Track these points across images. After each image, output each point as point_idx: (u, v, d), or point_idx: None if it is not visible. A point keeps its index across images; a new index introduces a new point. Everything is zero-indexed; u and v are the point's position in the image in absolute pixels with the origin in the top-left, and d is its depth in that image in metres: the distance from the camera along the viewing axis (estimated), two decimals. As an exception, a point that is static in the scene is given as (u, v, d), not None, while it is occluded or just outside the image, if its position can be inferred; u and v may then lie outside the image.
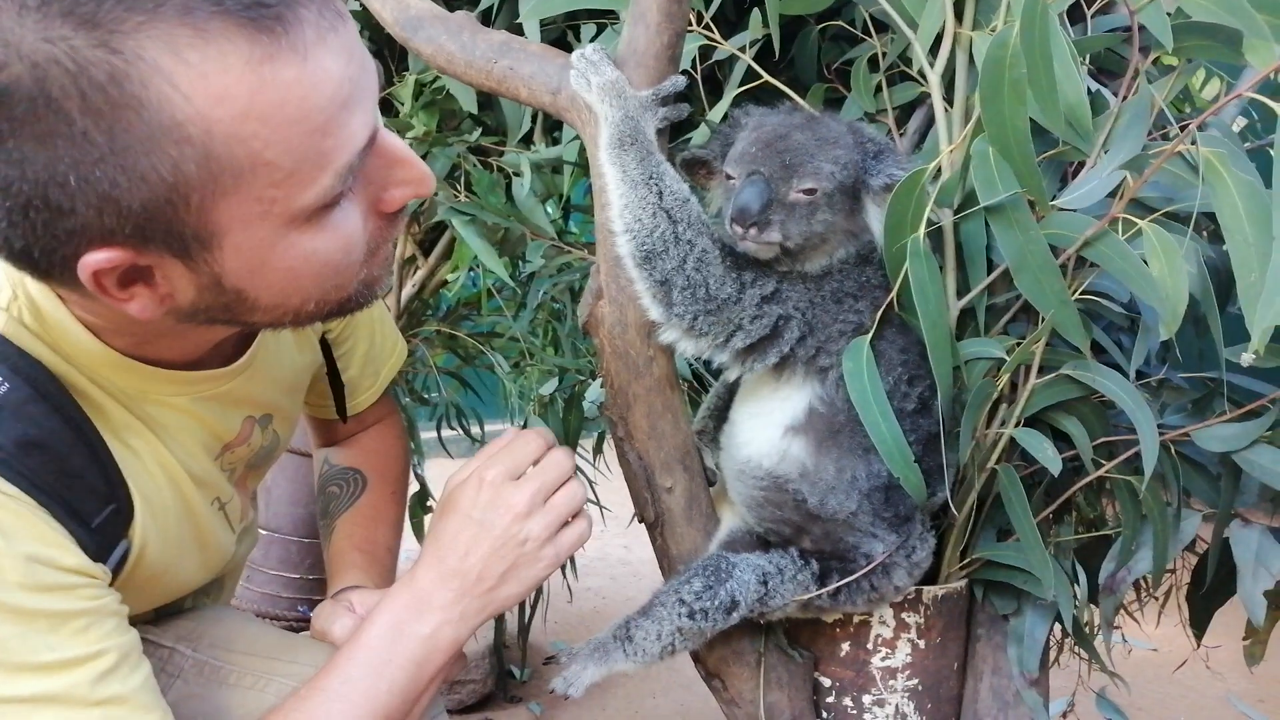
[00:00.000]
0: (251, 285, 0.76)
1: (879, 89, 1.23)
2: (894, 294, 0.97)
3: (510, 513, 0.94)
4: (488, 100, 1.73)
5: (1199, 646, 1.25)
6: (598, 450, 2.04)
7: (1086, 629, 1.22)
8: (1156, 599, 1.25)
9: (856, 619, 1.07)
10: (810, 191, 0.95)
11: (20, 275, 0.77)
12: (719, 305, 0.96)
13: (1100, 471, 1.08)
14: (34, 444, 0.78)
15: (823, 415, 0.98)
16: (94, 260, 0.69)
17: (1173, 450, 1.06)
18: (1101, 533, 1.17)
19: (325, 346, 1.18)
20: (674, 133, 1.06)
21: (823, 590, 0.98)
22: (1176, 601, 1.29)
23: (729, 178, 0.98)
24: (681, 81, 0.98)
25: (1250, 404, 1.04)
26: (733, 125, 1.04)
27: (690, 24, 1.11)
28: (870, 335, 0.97)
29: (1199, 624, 1.24)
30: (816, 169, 0.94)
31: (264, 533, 2.19)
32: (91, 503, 0.83)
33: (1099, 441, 1.07)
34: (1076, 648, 1.22)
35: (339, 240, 0.77)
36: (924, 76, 1.13)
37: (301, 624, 2.24)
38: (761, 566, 0.97)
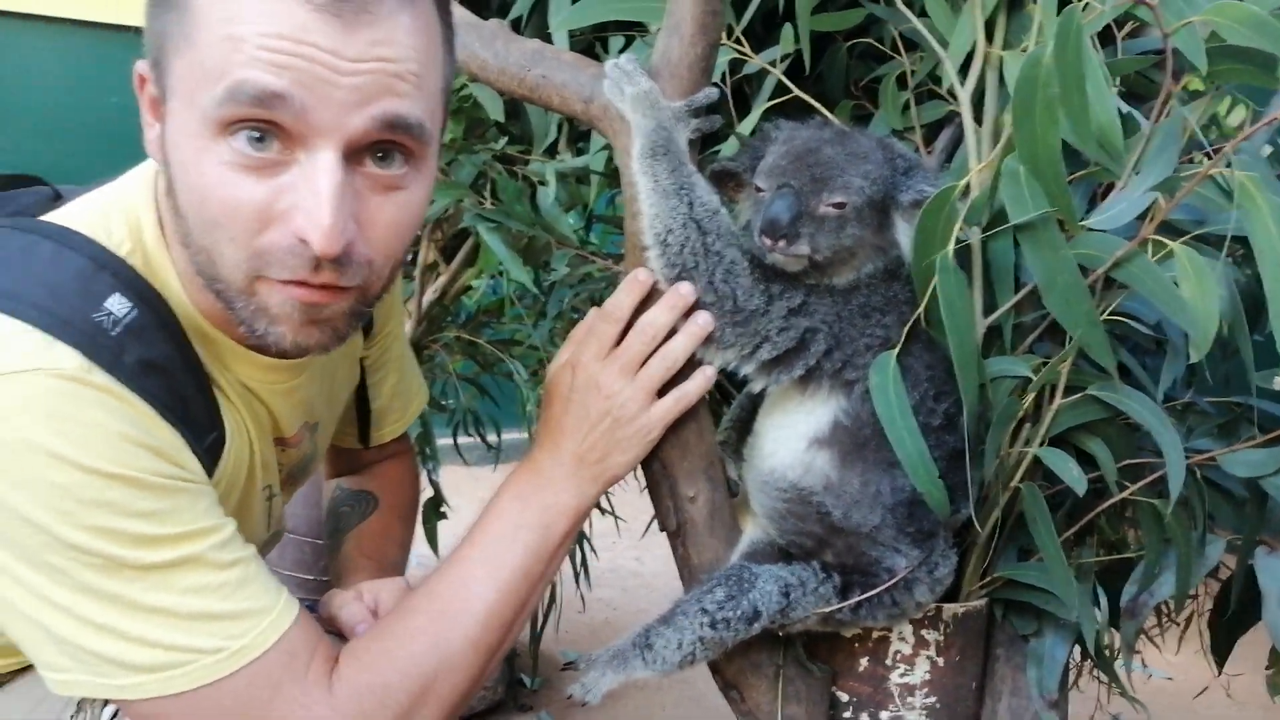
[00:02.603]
0: (175, 172, 0.83)
1: (907, 107, 1.23)
2: (921, 309, 0.98)
3: (599, 393, 0.99)
4: (514, 109, 1.74)
5: (1219, 674, 1.24)
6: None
7: (1106, 653, 1.22)
8: (1178, 625, 1.24)
9: (876, 634, 1.07)
10: (840, 205, 0.95)
11: (139, 230, 0.88)
12: (746, 317, 0.97)
13: (1124, 494, 1.07)
14: (155, 366, 0.84)
15: (848, 429, 0.98)
16: (139, 66, 0.85)
17: (1198, 474, 1.06)
18: (1123, 555, 1.17)
19: (361, 369, 1.19)
20: (703, 145, 1.07)
21: (844, 604, 0.98)
22: (1197, 629, 1.28)
23: (759, 190, 0.99)
24: (714, 93, 0.99)
25: (1277, 430, 1.04)
26: (763, 139, 1.05)
27: (721, 38, 1.12)
28: (897, 350, 0.97)
29: (1220, 651, 1.22)
30: (846, 183, 0.95)
31: (279, 534, 2.20)
32: (200, 427, 0.88)
33: (1124, 464, 1.06)
34: (1096, 671, 1.21)
35: (226, 191, 0.79)
36: (953, 95, 1.14)
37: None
38: (784, 578, 0.97)
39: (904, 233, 0.98)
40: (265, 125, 0.78)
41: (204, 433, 0.89)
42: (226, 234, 0.81)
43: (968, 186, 1.02)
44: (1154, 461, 1.10)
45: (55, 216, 0.89)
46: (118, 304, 0.83)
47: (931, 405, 0.97)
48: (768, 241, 0.94)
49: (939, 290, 0.94)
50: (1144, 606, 1.12)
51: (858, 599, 0.98)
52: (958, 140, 1.21)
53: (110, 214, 0.89)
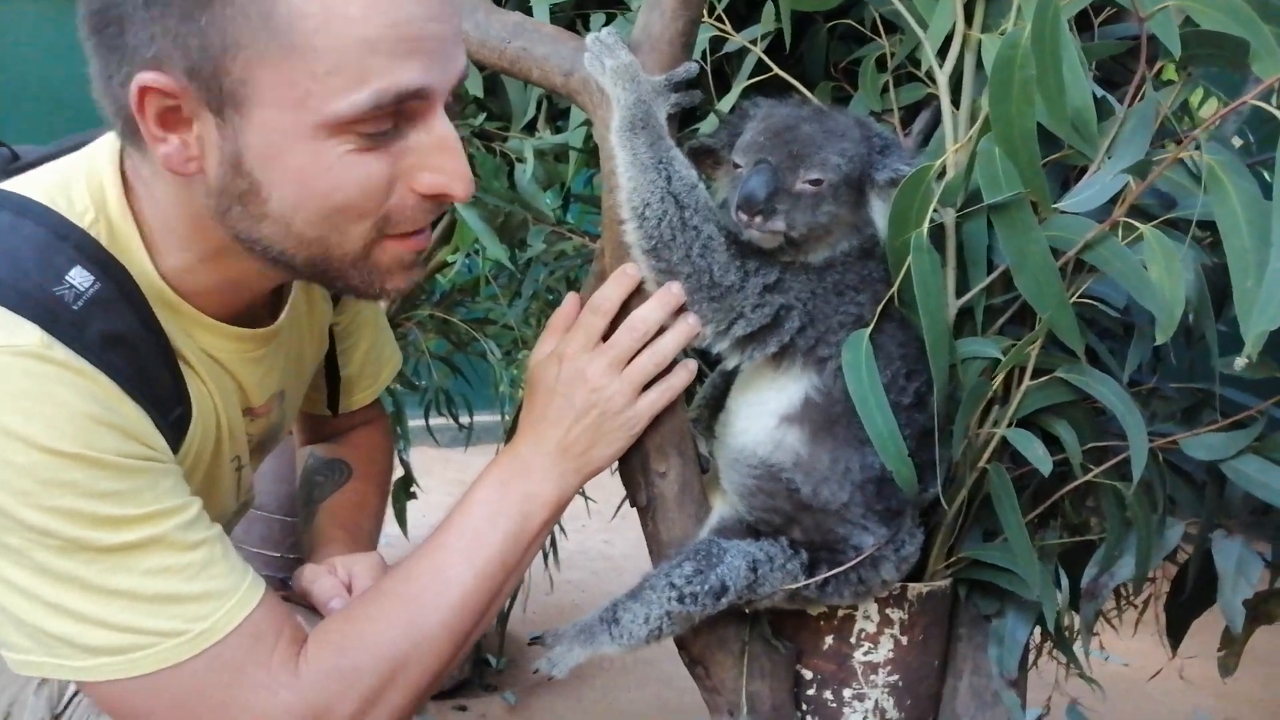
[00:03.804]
0: (266, 178, 0.79)
1: (886, 89, 1.24)
2: (895, 288, 0.98)
3: (586, 385, 0.99)
4: (493, 85, 1.73)
5: (1174, 656, 1.26)
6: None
7: (1066, 635, 1.23)
8: (1135, 607, 1.26)
9: (841, 613, 1.08)
10: (816, 182, 0.95)
11: (103, 199, 0.85)
12: (722, 292, 0.97)
13: (1088, 476, 1.08)
14: (119, 340, 0.82)
15: (819, 406, 0.99)
16: (146, 78, 0.75)
17: (1160, 458, 1.07)
18: (1085, 538, 1.18)
19: (331, 337, 1.18)
20: (682, 123, 1.07)
21: (810, 580, 0.99)
22: (1154, 614, 1.30)
23: (736, 166, 0.99)
24: (694, 68, 0.99)
25: (1237, 415, 1.05)
26: (741, 116, 1.05)
27: (703, 14, 1.12)
28: (870, 328, 0.97)
29: (1175, 635, 1.25)
30: (823, 160, 0.95)
31: (247, 510, 2.18)
32: (165, 402, 0.87)
33: (1088, 447, 1.08)
34: (1055, 653, 1.22)
35: (356, 174, 0.79)
36: (931, 78, 1.15)
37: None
38: (752, 553, 0.98)
39: (879, 211, 0.99)
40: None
41: (169, 407, 0.88)
42: (356, 212, 0.82)
43: (943, 167, 1.03)
44: (1117, 445, 1.11)
45: (14, 184, 0.86)
46: (80, 277, 0.81)
47: (903, 384, 0.98)
48: (744, 217, 0.95)
49: (913, 269, 0.95)
50: (1104, 588, 1.13)
51: (824, 575, 0.98)
52: (935, 122, 1.22)
53: (72, 183, 0.86)
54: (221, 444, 0.98)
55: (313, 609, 1.04)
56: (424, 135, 0.81)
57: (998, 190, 0.94)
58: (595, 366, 0.99)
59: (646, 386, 1.01)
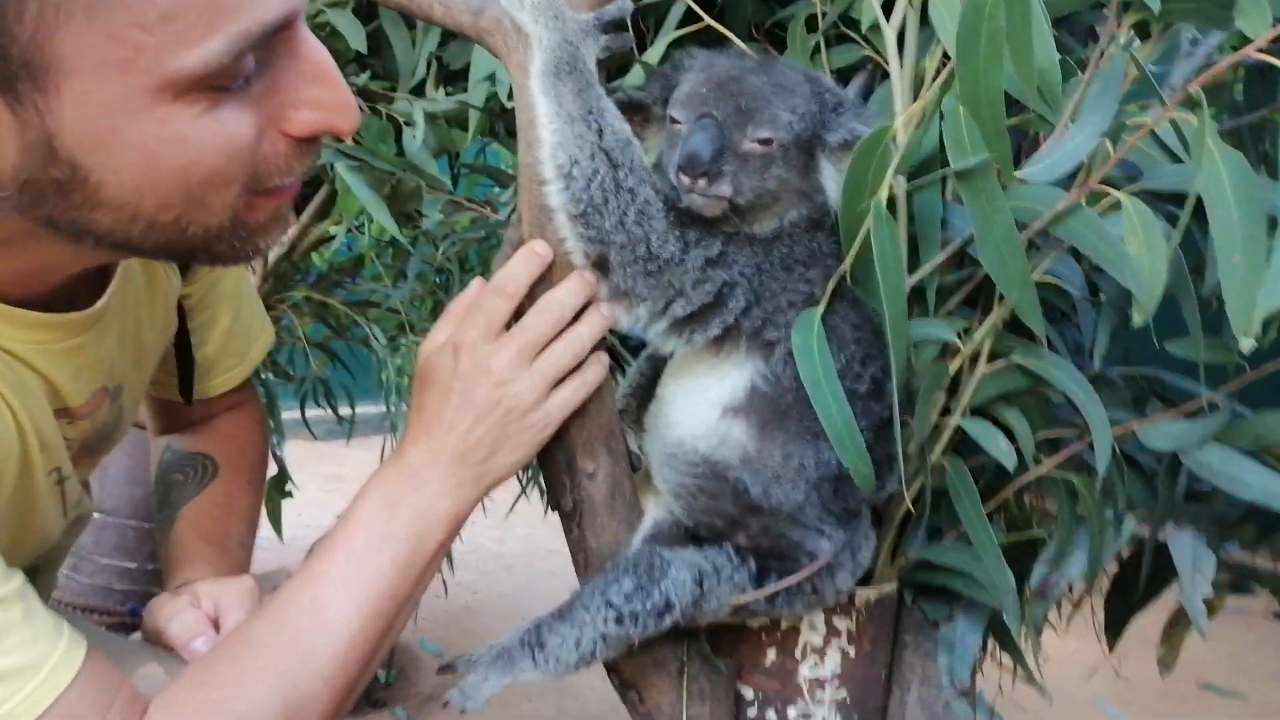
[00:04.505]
0: (96, 162, 0.60)
1: (816, 50, 1.14)
2: (848, 263, 0.88)
3: (489, 379, 0.84)
4: (376, 43, 1.57)
5: (1111, 651, 1.22)
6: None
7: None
8: (1073, 604, 1.21)
9: (784, 624, 0.98)
10: (766, 142, 0.84)
11: None
12: (660, 266, 0.85)
13: (1043, 468, 1.02)
14: None
15: (767, 395, 0.88)
16: None
17: (1116, 449, 1.01)
18: (1031, 534, 1.12)
19: (181, 313, 1.00)
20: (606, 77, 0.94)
21: (760, 592, 0.88)
22: (1090, 608, 1.25)
23: (674, 122, 0.87)
24: (628, 5, 0.86)
25: (1184, 403, 1.00)
26: (675, 68, 0.93)
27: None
28: (822, 307, 0.87)
29: (1114, 631, 1.20)
30: (774, 117, 0.84)
31: (96, 516, 1.93)
32: None
33: (1038, 438, 1.01)
34: (998, 657, 1.16)
35: (219, 139, 0.62)
36: (867, 40, 1.07)
37: (132, 625, 2.00)
38: (697, 564, 0.86)
39: (830, 177, 0.88)
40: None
41: None
42: (220, 181, 0.65)
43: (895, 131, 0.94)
44: (1066, 435, 1.05)
45: None
46: None
47: (859, 370, 0.88)
48: (686, 180, 0.83)
49: (873, 241, 0.84)
50: (1054, 587, 1.07)
51: (776, 587, 0.88)
52: (870, 87, 1.14)
53: None
54: (30, 458, 0.80)
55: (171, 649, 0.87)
56: (291, 66, 0.65)
57: (963, 155, 0.85)
58: (500, 358, 0.85)
59: (558, 383, 0.87)
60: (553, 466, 0.92)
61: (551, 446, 0.89)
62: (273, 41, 0.63)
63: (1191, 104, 0.80)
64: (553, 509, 0.94)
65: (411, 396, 0.91)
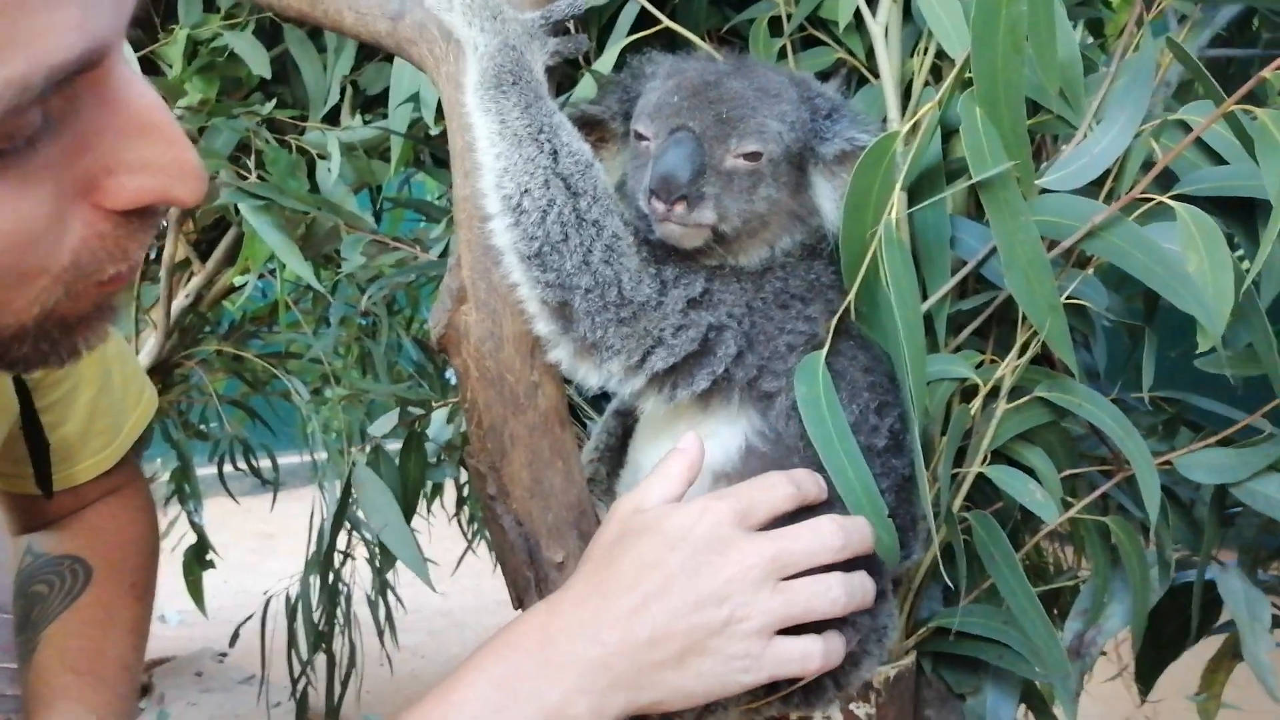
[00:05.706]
0: None
1: (782, 55, 1.02)
2: (852, 296, 0.75)
3: (735, 565, 0.65)
4: (283, 68, 1.41)
5: (1143, 703, 1.10)
6: (431, 500, 1.69)
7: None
8: (1104, 653, 1.10)
9: (795, 716, 0.83)
10: (753, 157, 0.71)
11: None
12: (634, 312, 0.70)
13: (1071, 512, 0.90)
14: None
15: (765, 456, 0.74)
16: None
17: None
18: (1056, 585, 1.00)
19: (22, 390, 0.81)
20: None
21: (773, 696, 0.73)
22: (1116, 655, 1.14)
23: (640, 138, 0.73)
24: (581, 3, 0.72)
25: (1225, 430, 0.89)
26: (635, 75, 0.79)
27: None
28: (826, 350, 0.73)
29: (1147, 680, 1.09)
30: (761, 126, 0.70)
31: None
32: None
33: (1064, 475, 0.89)
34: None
35: None
36: (840, 42, 0.96)
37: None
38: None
39: (827, 195, 0.75)
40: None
41: None
42: (13, 279, 0.46)
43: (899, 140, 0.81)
44: (1090, 471, 0.94)
45: None
46: None
47: (875, 421, 0.74)
48: (660, 206, 0.68)
49: (885, 269, 0.71)
50: (1091, 644, 0.95)
51: (789, 690, 0.73)
52: (843, 95, 1.02)
53: None
54: None
55: None
56: (104, 118, 0.46)
57: (983, 164, 0.72)
58: (760, 551, 0.66)
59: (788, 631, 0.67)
60: (512, 559, 0.76)
61: (510, 534, 0.74)
62: (70, 89, 0.43)
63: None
64: (516, 608, 0.79)
65: (594, 542, 0.70)
